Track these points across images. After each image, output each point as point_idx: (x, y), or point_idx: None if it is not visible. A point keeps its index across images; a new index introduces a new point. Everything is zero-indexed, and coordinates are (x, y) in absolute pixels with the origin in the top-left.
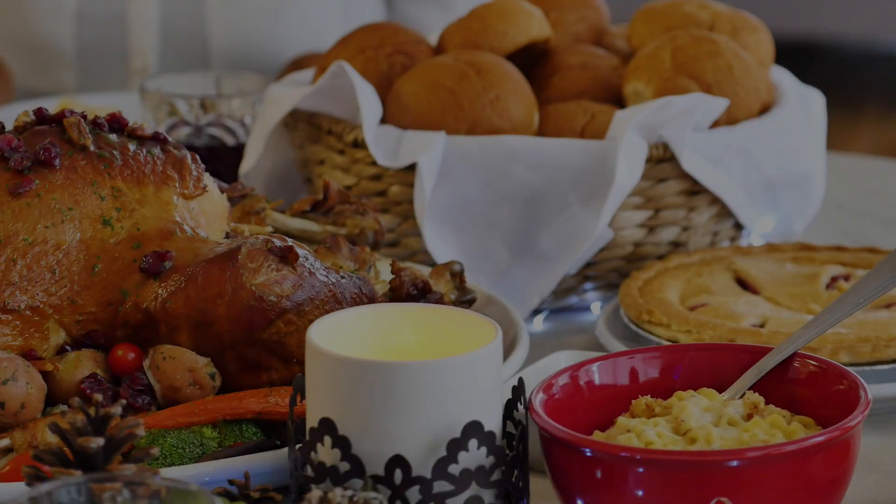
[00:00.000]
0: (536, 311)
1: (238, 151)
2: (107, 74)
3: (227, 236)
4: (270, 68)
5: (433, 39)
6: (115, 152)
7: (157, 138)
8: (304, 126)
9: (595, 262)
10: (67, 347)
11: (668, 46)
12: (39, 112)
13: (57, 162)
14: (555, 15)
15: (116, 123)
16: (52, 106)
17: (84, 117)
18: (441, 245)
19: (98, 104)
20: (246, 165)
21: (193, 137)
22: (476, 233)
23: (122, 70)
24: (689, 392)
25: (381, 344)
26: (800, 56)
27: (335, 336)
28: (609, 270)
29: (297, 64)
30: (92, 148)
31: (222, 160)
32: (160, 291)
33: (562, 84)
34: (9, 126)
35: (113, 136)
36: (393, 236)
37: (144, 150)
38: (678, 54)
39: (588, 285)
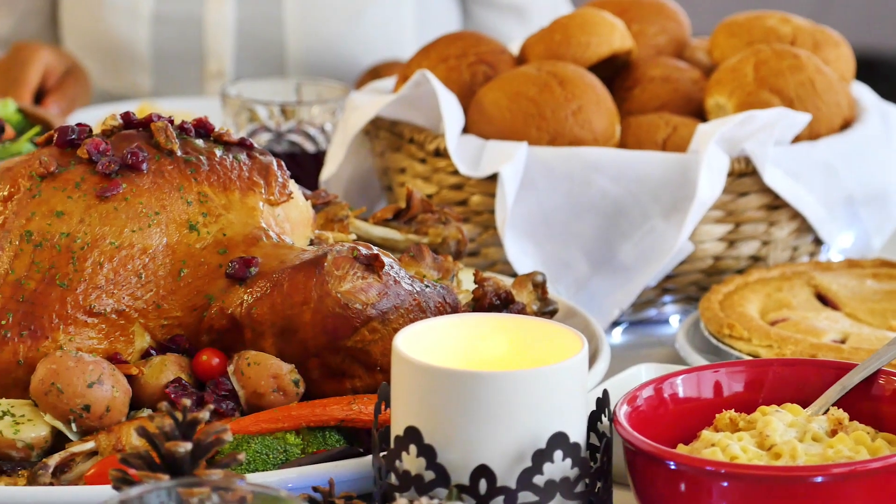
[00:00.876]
0: (615, 323)
1: (318, 158)
2: (182, 77)
3: (312, 243)
4: (346, 72)
5: (515, 49)
6: (201, 157)
7: (243, 144)
8: (386, 134)
9: (674, 274)
10: (152, 351)
11: (750, 60)
12: (127, 116)
13: (144, 166)
14: (637, 27)
15: (203, 129)
16: (130, 109)
17: (171, 122)
18: (521, 255)
19: (175, 108)
20: (326, 172)
21: (273, 144)
22: (556, 244)
23: (197, 73)
24: (772, 407)
25: (466, 353)
26: (877, 71)
27: (421, 345)
28: (688, 283)
29: (375, 72)
30: (179, 153)
31: (302, 167)
32: (245, 297)
33: (643, 96)
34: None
35: (199, 142)
36: (473, 246)
37: (231, 156)
38: (760, 68)
39: (667, 298)
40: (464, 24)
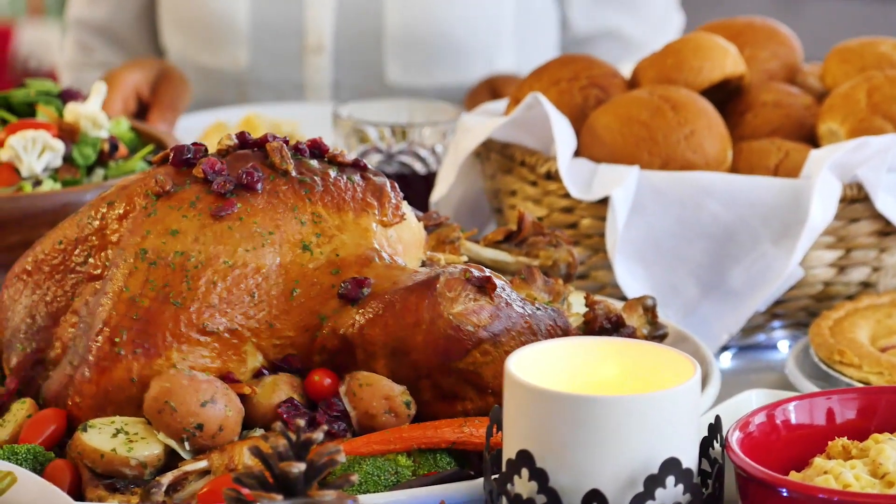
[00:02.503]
0: (724, 348)
1: (428, 180)
2: (281, 52)
3: (424, 265)
4: (443, 48)
5: (627, 73)
6: (316, 178)
7: (357, 165)
8: (497, 156)
9: (784, 300)
10: (264, 371)
11: (863, 86)
12: (242, 136)
13: (259, 186)
14: (749, 52)
15: (317, 149)
16: (237, 116)
17: (286, 142)
18: (631, 279)
19: (281, 116)
20: (437, 194)
21: (384, 164)
22: (666, 267)
23: (296, 47)
24: (885, 435)
25: (577, 377)
26: None
27: (532, 368)
28: (798, 309)
29: (490, 84)
30: (293, 173)
31: (413, 188)
32: (358, 318)
33: (755, 121)
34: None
35: (314, 162)
36: (583, 269)
37: (345, 177)
38: (873, 94)
39: (776, 323)
40: (561, 14)
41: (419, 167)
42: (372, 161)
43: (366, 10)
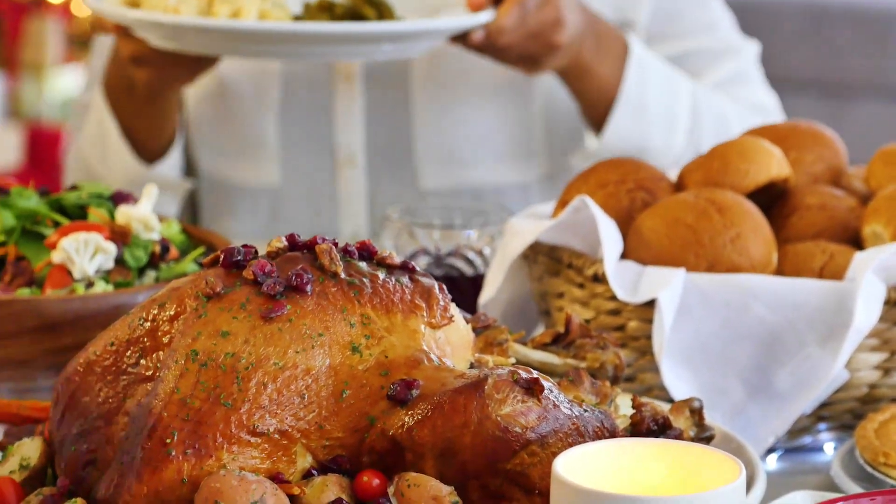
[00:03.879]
0: (770, 450)
1: (476, 282)
2: (313, 166)
3: (472, 366)
4: (475, 153)
5: (673, 176)
6: (365, 280)
7: (405, 267)
8: (545, 259)
9: (829, 402)
10: (314, 472)
11: None
12: (291, 238)
13: (308, 288)
14: (794, 155)
15: (366, 251)
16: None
17: (335, 244)
18: (677, 381)
19: None
20: (485, 296)
21: (432, 267)
22: (712, 370)
23: (328, 162)
24: None
25: (625, 478)
26: None
27: (580, 469)
28: (843, 411)
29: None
30: (343, 275)
31: (460, 290)
32: (407, 419)
33: (800, 224)
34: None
35: (363, 264)
36: (630, 371)
37: (393, 279)
38: None
39: (822, 425)
40: None
41: (467, 269)
42: (420, 263)
43: (395, 122)
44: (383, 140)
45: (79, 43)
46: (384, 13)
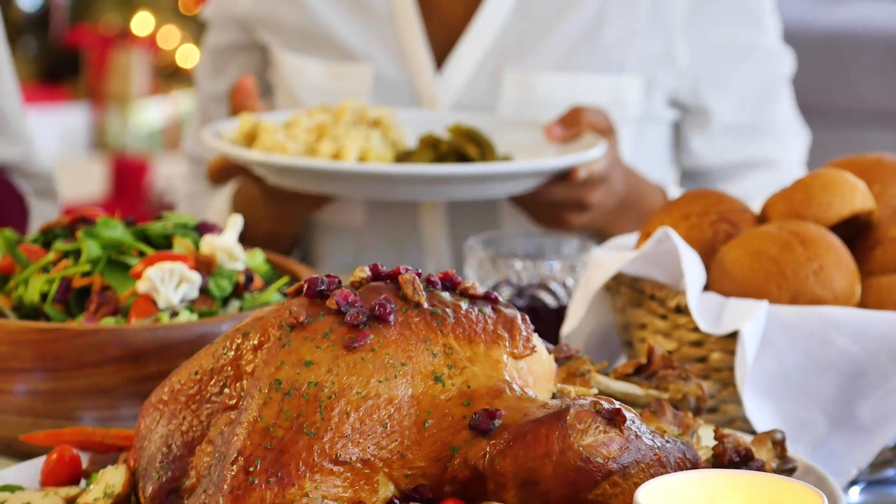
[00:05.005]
0: (853, 483)
1: (559, 313)
2: (396, 207)
3: (554, 396)
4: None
5: (756, 208)
6: (447, 310)
7: (488, 297)
8: (627, 290)
9: None
10: (396, 501)
11: None
12: (375, 268)
13: (392, 318)
14: (878, 188)
15: (449, 282)
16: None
17: (418, 274)
18: (760, 413)
19: None
20: (568, 327)
21: (515, 298)
22: (795, 402)
23: (410, 202)
24: None
25: None
26: None
27: (662, 500)
28: None
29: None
30: (426, 305)
31: (543, 321)
32: (489, 449)
33: (884, 256)
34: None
35: (446, 294)
36: (713, 402)
37: (476, 309)
38: None
39: None
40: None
41: (550, 300)
42: (503, 294)
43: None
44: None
45: (164, 75)
46: (486, 151)
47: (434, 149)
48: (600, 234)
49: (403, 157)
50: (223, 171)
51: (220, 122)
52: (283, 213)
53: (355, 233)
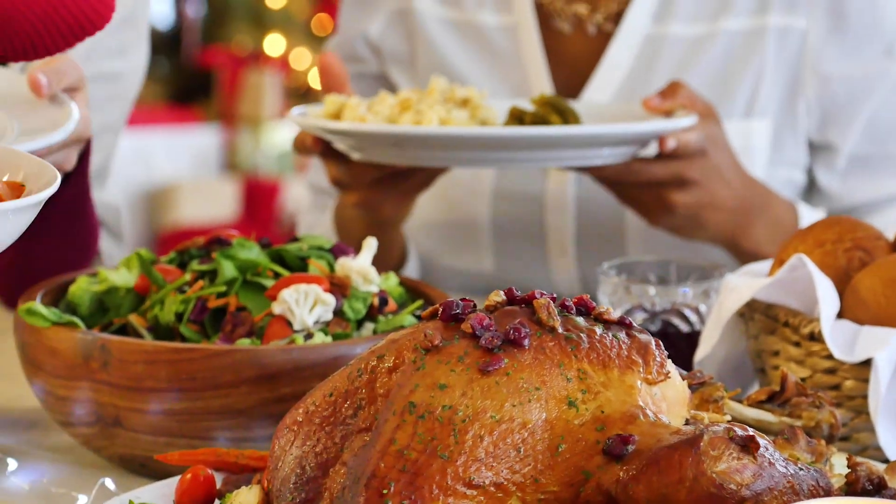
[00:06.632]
0: None
1: (690, 338)
2: (525, 255)
3: (687, 423)
4: (683, 250)
5: (891, 235)
6: (582, 335)
7: (622, 323)
8: (761, 317)
9: None
10: None
11: None
12: (510, 292)
13: (526, 342)
14: None
15: (583, 307)
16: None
17: (553, 299)
18: (893, 441)
19: None
20: (701, 353)
21: (647, 323)
22: None
23: (539, 251)
24: None
25: None
26: None
27: None
28: None
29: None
30: (560, 330)
31: (675, 346)
32: (622, 474)
33: None
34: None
35: (580, 319)
36: (846, 430)
37: (610, 334)
38: None
39: None
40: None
41: (683, 326)
42: (636, 319)
43: (606, 211)
44: (594, 231)
45: (295, 96)
46: (569, 120)
47: (519, 121)
48: (730, 244)
49: None
50: (304, 146)
51: (310, 106)
52: (375, 223)
53: (485, 280)
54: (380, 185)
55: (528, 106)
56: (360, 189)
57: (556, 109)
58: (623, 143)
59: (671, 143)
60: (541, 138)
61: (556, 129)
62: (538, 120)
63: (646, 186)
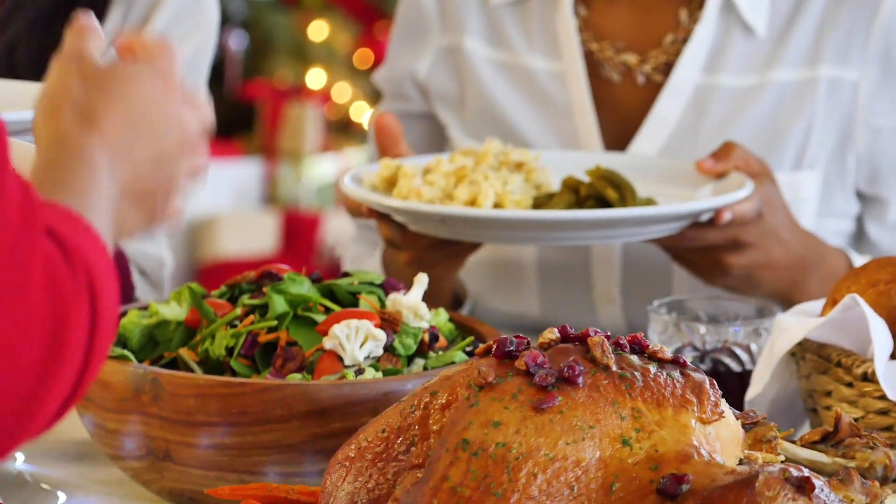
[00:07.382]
0: None
1: (741, 378)
2: (571, 301)
3: (741, 463)
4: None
5: None
6: (636, 373)
7: (676, 361)
8: (813, 357)
9: None
10: None
11: None
12: (564, 330)
13: (580, 380)
14: None
15: (637, 345)
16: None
17: (607, 337)
18: None
19: None
20: (752, 392)
21: (698, 362)
22: None
23: (586, 297)
24: None
25: None
26: None
27: None
28: None
29: None
30: (614, 368)
31: (726, 386)
32: None
33: None
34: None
35: (634, 358)
36: None
37: (664, 373)
38: None
39: None
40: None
41: (734, 365)
42: (686, 358)
43: (652, 264)
44: (641, 281)
45: (336, 130)
46: (626, 194)
47: (574, 192)
48: (783, 298)
49: (544, 200)
50: (359, 214)
51: (362, 167)
52: (422, 266)
53: (532, 323)
54: (433, 248)
55: (580, 170)
56: (414, 251)
57: (612, 183)
58: (681, 220)
59: (727, 217)
60: (600, 220)
61: (616, 212)
62: (594, 192)
63: (701, 250)
